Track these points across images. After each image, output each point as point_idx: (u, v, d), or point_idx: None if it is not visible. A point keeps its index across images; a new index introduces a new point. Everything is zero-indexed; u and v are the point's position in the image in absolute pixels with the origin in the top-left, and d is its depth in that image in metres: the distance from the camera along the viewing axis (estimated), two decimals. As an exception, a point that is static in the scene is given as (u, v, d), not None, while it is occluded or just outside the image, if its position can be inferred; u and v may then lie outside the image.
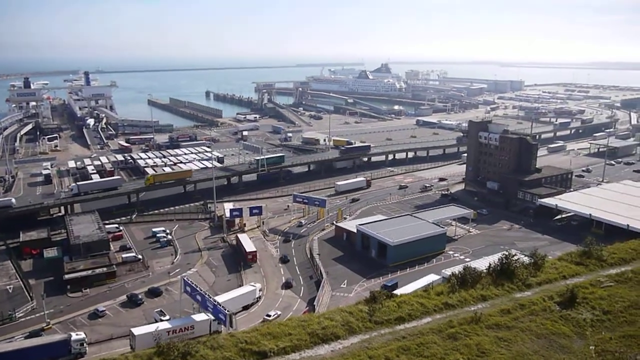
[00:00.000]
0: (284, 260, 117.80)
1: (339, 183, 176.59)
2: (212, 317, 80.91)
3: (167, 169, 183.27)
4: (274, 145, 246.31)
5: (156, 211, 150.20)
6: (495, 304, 45.38)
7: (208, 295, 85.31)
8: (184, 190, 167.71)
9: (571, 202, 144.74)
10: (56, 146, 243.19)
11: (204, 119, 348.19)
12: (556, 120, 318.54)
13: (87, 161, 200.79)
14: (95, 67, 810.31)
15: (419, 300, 45.57)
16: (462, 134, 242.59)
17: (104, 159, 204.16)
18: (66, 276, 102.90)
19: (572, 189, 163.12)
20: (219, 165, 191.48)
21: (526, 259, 54.96)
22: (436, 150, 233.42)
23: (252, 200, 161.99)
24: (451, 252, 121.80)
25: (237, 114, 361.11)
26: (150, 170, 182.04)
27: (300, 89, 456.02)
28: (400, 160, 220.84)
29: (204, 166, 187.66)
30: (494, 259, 55.99)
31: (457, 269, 59.04)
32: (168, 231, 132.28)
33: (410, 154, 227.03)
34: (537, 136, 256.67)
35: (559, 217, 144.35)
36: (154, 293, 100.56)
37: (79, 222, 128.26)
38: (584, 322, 42.18)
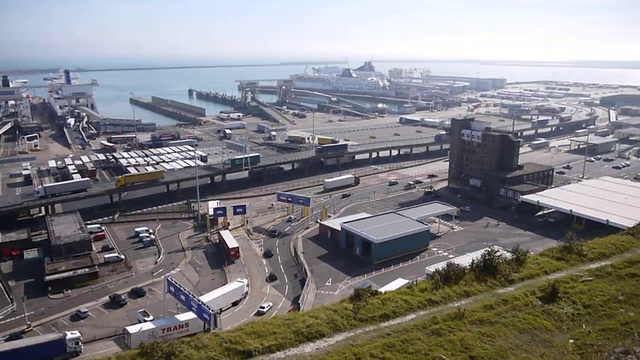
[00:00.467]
0: (268, 254, 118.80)
1: (327, 180, 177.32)
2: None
3: (150, 169, 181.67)
4: (257, 144, 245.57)
5: (139, 211, 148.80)
6: (478, 299, 45.79)
7: (192, 294, 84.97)
8: (167, 189, 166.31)
9: (552, 198, 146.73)
10: (36, 146, 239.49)
11: (187, 117, 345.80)
12: (537, 118, 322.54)
13: (68, 160, 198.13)
14: (76, 65, 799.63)
15: (403, 297, 45.78)
16: (443, 132, 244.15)
17: (85, 159, 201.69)
18: (47, 277, 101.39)
19: (553, 186, 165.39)
20: (202, 164, 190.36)
21: (508, 255, 55.48)
22: (420, 147, 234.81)
23: (236, 199, 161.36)
24: (435, 249, 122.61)
25: (221, 112, 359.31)
26: (132, 170, 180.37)
27: (284, 87, 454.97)
28: (384, 158, 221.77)
29: (187, 165, 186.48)
30: (477, 255, 56.39)
31: (441, 265, 59.43)
32: (151, 231, 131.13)
33: (394, 152, 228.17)
34: (519, 133, 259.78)
35: (540, 213, 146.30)
36: (137, 293, 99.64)
37: (60, 222, 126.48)
38: (565, 317, 42.76)
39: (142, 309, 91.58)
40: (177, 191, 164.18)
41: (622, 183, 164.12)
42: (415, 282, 52.17)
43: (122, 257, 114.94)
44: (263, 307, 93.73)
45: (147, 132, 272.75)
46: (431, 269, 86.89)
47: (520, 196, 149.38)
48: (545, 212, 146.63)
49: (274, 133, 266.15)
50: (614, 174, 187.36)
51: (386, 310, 42.89)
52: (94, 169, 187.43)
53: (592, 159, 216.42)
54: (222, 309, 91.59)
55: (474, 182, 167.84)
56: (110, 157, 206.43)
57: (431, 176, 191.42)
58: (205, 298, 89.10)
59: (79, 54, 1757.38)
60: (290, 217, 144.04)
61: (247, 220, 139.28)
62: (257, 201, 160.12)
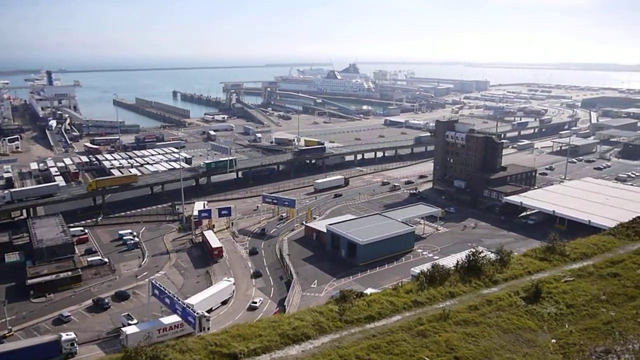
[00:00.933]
0: (253, 252, 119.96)
1: (318, 181, 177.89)
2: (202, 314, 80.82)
3: (134, 170, 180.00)
4: (242, 146, 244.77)
5: (122, 213, 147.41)
6: (463, 300, 46.00)
7: (177, 297, 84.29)
8: (151, 191, 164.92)
9: (535, 199, 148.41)
10: (17, 147, 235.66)
11: (171, 119, 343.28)
12: (520, 119, 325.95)
13: (50, 162, 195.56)
14: (59, 66, 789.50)
15: (389, 298, 45.81)
16: (423, 134, 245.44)
17: (68, 160, 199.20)
18: (29, 281, 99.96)
19: (536, 187, 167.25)
20: (187, 166, 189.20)
21: (493, 256, 55.87)
22: (405, 149, 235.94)
23: (221, 201, 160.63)
24: (420, 250, 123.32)
25: (205, 114, 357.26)
26: (116, 172, 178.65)
27: (269, 89, 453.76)
28: (369, 159, 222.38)
29: (172, 167, 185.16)
30: (461, 256, 56.73)
31: (426, 266, 59.72)
32: (135, 233, 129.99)
33: (379, 154, 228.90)
34: (502, 135, 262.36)
35: (523, 214, 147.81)
36: (121, 297, 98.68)
37: (42, 225, 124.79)
38: (548, 316, 43.18)
39: (126, 313, 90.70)
40: (162, 193, 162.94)
41: (603, 184, 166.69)
42: (400, 284, 52.28)
43: (106, 260, 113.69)
44: (255, 302, 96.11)
45: (130, 133, 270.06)
46: (416, 270, 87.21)
47: (504, 197, 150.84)
48: (528, 213, 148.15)
49: (259, 135, 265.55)
50: (595, 175, 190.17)
51: (372, 311, 42.91)
52: (77, 171, 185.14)
53: (574, 160, 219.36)
54: (213, 309, 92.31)
55: (458, 184, 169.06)
56: (94, 159, 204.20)
57: (422, 177, 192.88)
58: (195, 299, 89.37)
59: (73, 54, 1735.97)
60: (282, 216, 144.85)
61: (232, 223, 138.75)
62: (243, 203, 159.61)
